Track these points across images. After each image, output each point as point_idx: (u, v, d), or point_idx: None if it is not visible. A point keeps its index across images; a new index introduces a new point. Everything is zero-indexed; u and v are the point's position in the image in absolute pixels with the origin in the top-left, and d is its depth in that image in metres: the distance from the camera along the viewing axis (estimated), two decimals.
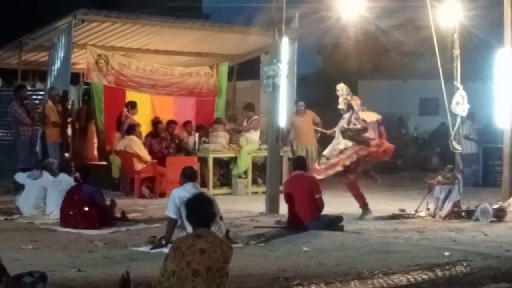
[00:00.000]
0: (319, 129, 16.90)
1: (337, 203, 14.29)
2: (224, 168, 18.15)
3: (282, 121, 14.49)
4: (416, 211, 14.01)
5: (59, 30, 17.08)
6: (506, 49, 15.05)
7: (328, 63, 36.87)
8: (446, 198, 13.65)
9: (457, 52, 14.84)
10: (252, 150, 17.76)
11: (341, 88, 14.16)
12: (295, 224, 11.79)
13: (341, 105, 14.15)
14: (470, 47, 25.45)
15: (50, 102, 16.62)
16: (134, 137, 16.72)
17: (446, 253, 9.68)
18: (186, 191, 10.22)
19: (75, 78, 19.56)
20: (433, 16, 14.34)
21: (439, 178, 13.93)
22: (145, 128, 18.35)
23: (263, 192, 15.10)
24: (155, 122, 18.15)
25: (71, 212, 12.15)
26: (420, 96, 33.23)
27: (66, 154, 17.44)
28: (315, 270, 8.86)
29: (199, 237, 6.17)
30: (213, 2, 36.92)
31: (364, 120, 13.94)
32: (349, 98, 14.10)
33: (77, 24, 16.69)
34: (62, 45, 16.97)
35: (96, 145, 18.65)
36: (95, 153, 18.69)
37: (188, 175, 10.69)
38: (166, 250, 8.33)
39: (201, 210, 6.44)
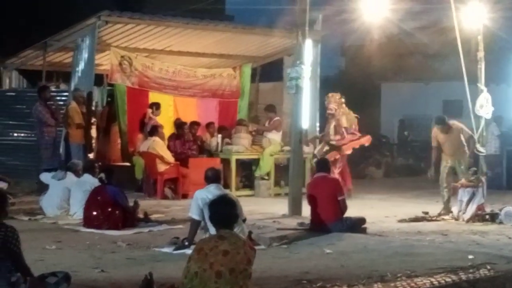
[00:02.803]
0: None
1: (359, 205, 14.28)
2: (247, 170, 18.15)
3: (305, 123, 14.48)
4: (439, 214, 13.98)
5: (83, 31, 17.14)
6: None
7: (351, 65, 36.76)
8: (469, 201, 13.60)
9: (481, 54, 14.78)
10: (275, 151, 17.77)
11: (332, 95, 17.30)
12: (318, 226, 11.78)
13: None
14: (495, 49, 25.28)
15: (74, 104, 16.66)
16: (157, 138, 16.77)
17: (470, 256, 9.64)
18: (209, 192, 10.22)
19: (99, 80, 19.62)
20: (457, 18, 14.28)
21: (463, 180, 13.88)
22: (167, 129, 18.40)
23: (286, 194, 15.10)
24: (179, 123, 18.17)
25: (94, 213, 12.21)
26: (443, 98, 33.02)
27: (90, 155, 17.48)
28: (338, 273, 8.84)
29: (222, 239, 6.17)
30: (236, 4, 36.87)
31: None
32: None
33: (101, 25, 16.75)
34: (86, 46, 17.02)
35: (119, 146, 18.70)
36: (119, 154, 18.73)
37: (211, 176, 10.68)
38: (189, 251, 8.34)
39: (224, 212, 6.44)
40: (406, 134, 29.34)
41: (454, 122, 14.74)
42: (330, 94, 17.48)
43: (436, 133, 14.71)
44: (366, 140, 17.55)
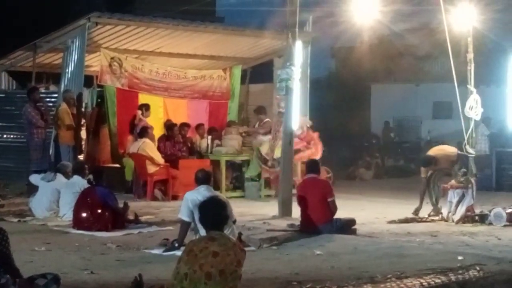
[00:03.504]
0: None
1: (349, 207, 14.28)
2: (237, 171, 18.13)
3: (295, 124, 14.48)
4: (429, 215, 14.00)
5: (73, 32, 17.13)
6: None
7: (341, 66, 36.85)
8: (459, 202, 13.62)
9: (470, 55, 14.80)
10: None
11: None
12: (308, 228, 11.77)
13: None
14: (484, 50, 25.35)
15: (64, 105, 16.64)
16: (147, 140, 16.74)
17: (459, 257, 9.64)
18: (199, 194, 10.21)
19: (89, 81, 19.60)
20: (447, 20, 14.30)
21: (453, 182, 13.89)
22: (157, 131, 18.37)
23: (276, 195, 15.09)
24: (169, 125, 18.16)
25: (84, 214, 12.19)
26: (433, 99, 33.16)
27: (80, 157, 17.45)
28: (328, 274, 8.85)
29: (212, 240, 6.17)
30: (227, 6, 36.91)
31: None
32: None
33: (91, 27, 16.76)
34: (76, 47, 17.01)
35: (109, 147, 18.66)
36: (109, 155, 18.69)
37: (201, 178, 10.68)
38: (179, 252, 8.32)
39: (214, 213, 6.44)
40: (392, 136, 29.38)
41: (436, 154, 14.64)
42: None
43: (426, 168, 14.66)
44: (313, 154, 17.31)
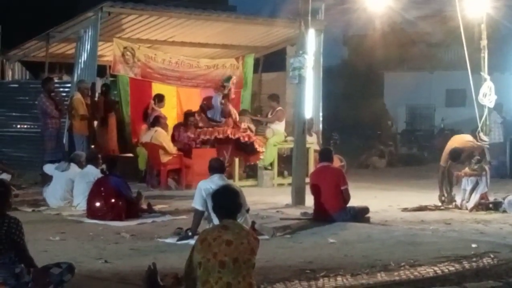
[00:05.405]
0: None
1: (363, 195, 14.26)
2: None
3: (308, 113, 14.47)
4: (442, 202, 13.96)
5: (85, 22, 17.16)
6: None
7: (354, 54, 36.80)
8: (473, 189, 13.57)
9: (484, 42, 14.74)
10: (278, 141, 17.74)
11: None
12: (321, 216, 11.77)
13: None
14: (498, 37, 25.26)
15: (79, 95, 16.65)
16: (159, 129, 16.74)
17: (473, 245, 9.63)
18: (212, 182, 10.22)
19: (102, 71, 19.61)
20: (460, 7, 14.25)
21: (466, 169, 13.85)
22: (171, 120, 18.38)
23: (289, 184, 15.09)
24: (187, 114, 18.12)
25: (97, 204, 12.21)
26: (446, 87, 33.08)
27: (92, 146, 17.47)
28: (341, 262, 8.85)
29: (225, 229, 6.17)
30: None
31: None
32: None
33: (103, 16, 16.76)
34: (88, 37, 17.03)
35: (116, 137, 18.59)
36: (116, 144, 18.63)
37: (214, 167, 10.69)
38: (192, 241, 8.33)
39: (227, 202, 6.43)
40: (389, 124, 29.25)
41: (464, 146, 14.28)
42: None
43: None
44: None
